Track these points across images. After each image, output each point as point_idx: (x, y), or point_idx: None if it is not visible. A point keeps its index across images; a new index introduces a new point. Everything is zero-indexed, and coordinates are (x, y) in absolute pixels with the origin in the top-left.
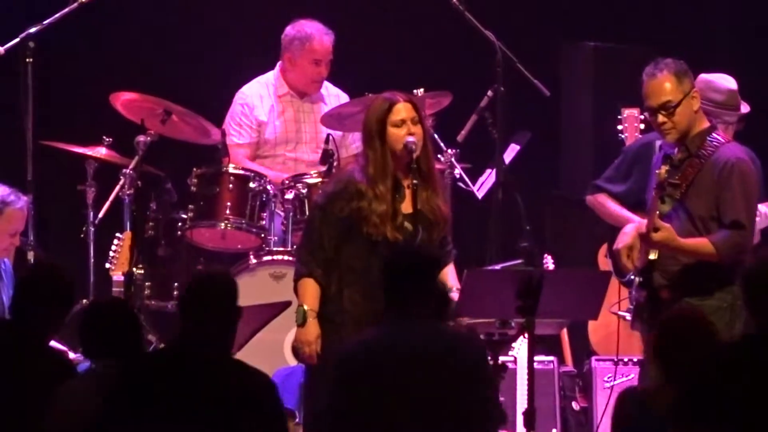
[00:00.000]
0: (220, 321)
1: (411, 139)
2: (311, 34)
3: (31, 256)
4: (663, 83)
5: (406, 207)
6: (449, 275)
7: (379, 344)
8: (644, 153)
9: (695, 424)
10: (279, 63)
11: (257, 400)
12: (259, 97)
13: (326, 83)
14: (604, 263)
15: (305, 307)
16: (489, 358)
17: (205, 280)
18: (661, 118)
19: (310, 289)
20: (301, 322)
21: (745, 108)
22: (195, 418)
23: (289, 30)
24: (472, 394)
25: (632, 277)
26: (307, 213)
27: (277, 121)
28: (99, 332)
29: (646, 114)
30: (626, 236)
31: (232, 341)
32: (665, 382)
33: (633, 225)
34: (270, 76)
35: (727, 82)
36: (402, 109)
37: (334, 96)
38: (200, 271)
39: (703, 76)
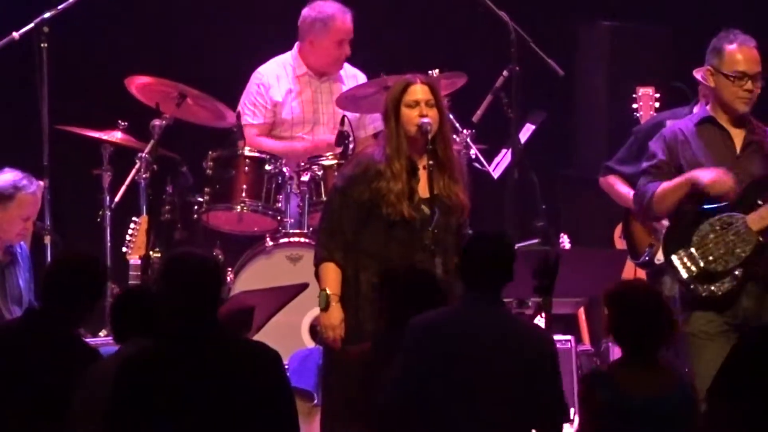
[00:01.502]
0: (206, 299)
1: (426, 120)
2: (333, 14)
3: (47, 240)
4: (757, 54)
5: (423, 190)
6: None
7: (453, 322)
8: (655, 133)
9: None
10: (297, 44)
11: (260, 371)
12: (275, 77)
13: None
14: (620, 242)
15: (327, 291)
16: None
17: (178, 264)
18: (750, 85)
19: (332, 273)
20: (324, 306)
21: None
22: (201, 398)
23: (309, 12)
24: (536, 384)
25: (647, 258)
26: (325, 195)
27: (295, 101)
28: (130, 317)
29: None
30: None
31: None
32: (629, 361)
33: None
34: (288, 57)
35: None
36: (417, 91)
37: (351, 77)
38: (175, 254)
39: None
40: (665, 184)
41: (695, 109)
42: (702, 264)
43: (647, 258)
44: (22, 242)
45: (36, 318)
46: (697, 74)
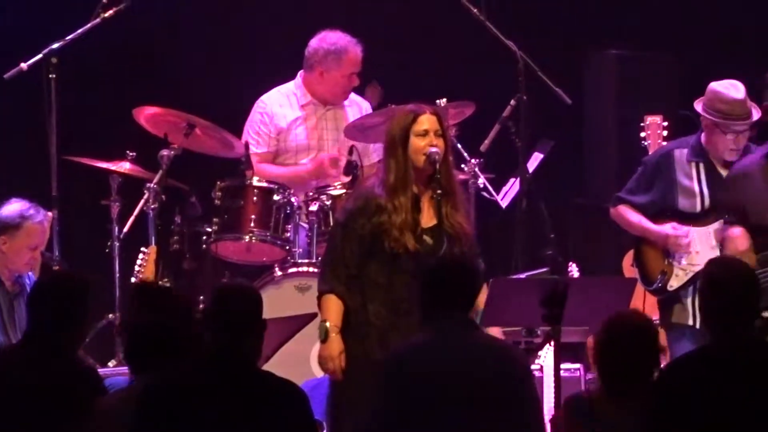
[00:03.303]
0: (248, 333)
1: (434, 149)
2: (346, 46)
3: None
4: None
5: (425, 221)
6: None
7: (427, 350)
8: (664, 163)
9: None
10: (301, 73)
11: (288, 409)
12: (279, 105)
13: None
14: (630, 270)
15: (327, 324)
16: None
17: (231, 292)
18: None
19: (333, 305)
20: (324, 338)
21: (756, 114)
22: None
23: (320, 44)
24: (517, 402)
25: (659, 285)
26: (330, 228)
27: (299, 128)
28: (143, 348)
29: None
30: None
31: (259, 353)
32: (606, 392)
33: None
34: (291, 86)
35: (734, 91)
36: (426, 120)
37: (355, 103)
38: (224, 284)
39: (712, 85)
40: None
41: (703, 138)
42: None
43: (660, 285)
44: (30, 273)
45: (26, 341)
46: (697, 106)
